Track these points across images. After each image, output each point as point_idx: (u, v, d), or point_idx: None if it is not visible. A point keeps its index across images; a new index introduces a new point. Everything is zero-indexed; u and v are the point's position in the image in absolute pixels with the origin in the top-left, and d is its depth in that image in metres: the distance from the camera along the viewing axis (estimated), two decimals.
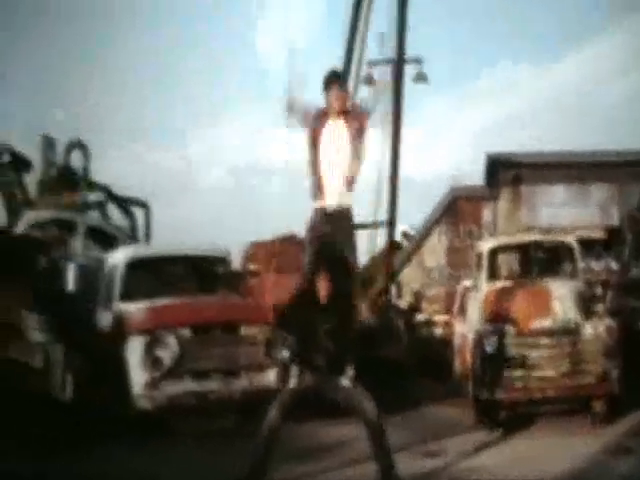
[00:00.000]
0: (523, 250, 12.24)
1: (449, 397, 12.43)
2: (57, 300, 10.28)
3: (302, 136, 7.25)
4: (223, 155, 51.08)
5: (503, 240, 12.82)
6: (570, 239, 11.89)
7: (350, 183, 7.06)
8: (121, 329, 9.71)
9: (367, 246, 16.52)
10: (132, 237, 16.60)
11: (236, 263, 15.24)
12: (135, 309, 9.87)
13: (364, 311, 13.55)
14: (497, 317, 10.05)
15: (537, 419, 10.07)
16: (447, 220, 25.79)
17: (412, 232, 26.20)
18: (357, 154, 7.07)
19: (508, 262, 13.15)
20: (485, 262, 11.60)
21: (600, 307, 10.38)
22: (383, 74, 14.78)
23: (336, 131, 7.08)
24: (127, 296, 10.32)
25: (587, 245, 15.50)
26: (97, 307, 10.86)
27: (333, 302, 6.64)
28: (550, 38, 51.03)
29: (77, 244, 13.17)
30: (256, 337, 9.76)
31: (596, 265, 18.99)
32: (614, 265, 17.57)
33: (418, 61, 16.62)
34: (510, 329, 9.73)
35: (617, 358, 9.62)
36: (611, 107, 43.37)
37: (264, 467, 6.43)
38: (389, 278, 16.31)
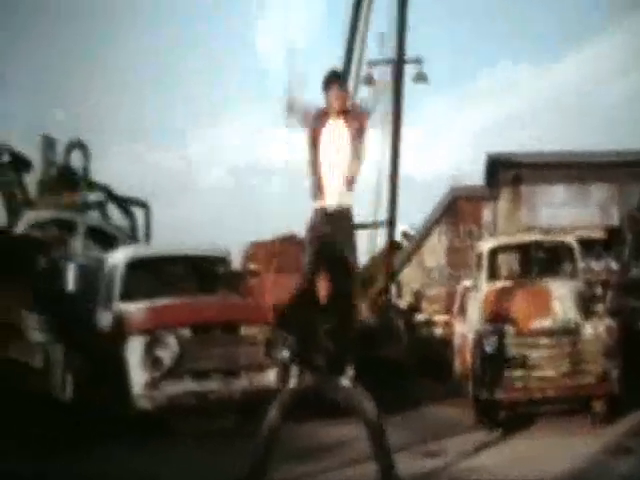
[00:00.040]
0: (523, 250, 12.24)
1: (449, 397, 12.43)
2: (57, 300, 10.28)
3: (302, 136, 7.23)
4: (223, 155, 51.15)
5: (503, 240, 12.82)
6: (570, 239, 11.89)
7: (350, 183, 7.05)
8: (121, 329, 9.72)
9: (367, 246, 16.54)
10: (132, 237, 16.61)
11: (236, 263, 15.25)
12: (135, 309, 9.87)
13: (364, 311, 13.56)
14: (497, 317, 10.05)
15: (537, 419, 10.07)
16: (447, 220, 25.79)
17: (412, 232, 26.21)
18: (357, 154, 7.06)
19: (508, 262, 13.15)
20: (485, 262, 11.60)
21: (600, 307, 10.39)
22: (383, 74, 14.79)
23: (336, 131, 7.06)
24: (127, 296, 10.32)
25: (587, 245, 15.49)
26: (97, 307, 10.87)
27: (333, 302, 6.64)
28: (550, 38, 51.12)
29: (77, 244, 13.17)
30: (256, 337, 9.76)
31: (596, 265, 18.99)
32: (614, 265, 17.57)
33: (418, 61, 16.62)
34: (510, 329, 9.73)
35: (617, 358, 9.62)
36: (611, 107, 43.42)
37: (264, 467, 6.43)
38: (389, 278, 16.32)
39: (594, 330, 9.68)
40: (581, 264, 11.61)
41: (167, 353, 9.29)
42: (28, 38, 39.54)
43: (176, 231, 21.13)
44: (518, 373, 9.58)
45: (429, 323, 19.22)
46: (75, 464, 8.08)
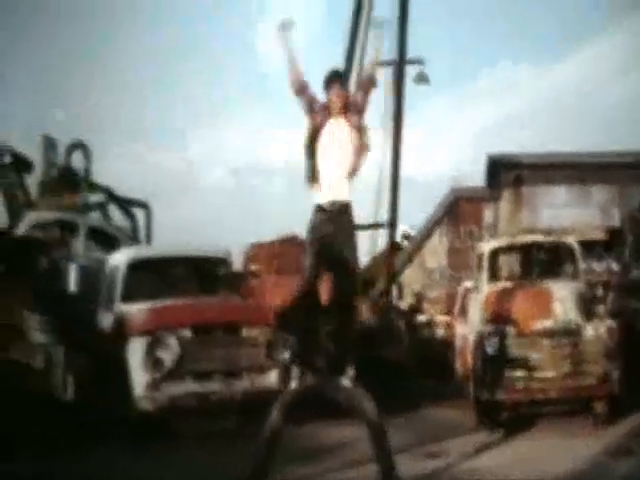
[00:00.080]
0: (524, 251, 12.24)
1: (450, 398, 12.42)
2: (58, 301, 10.28)
3: (302, 137, 7.21)
4: (224, 156, 51.16)
5: (504, 241, 12.80)
6: (571, 240, 11.89)
7: (353, 173, 6.97)
8: (122, 330, 9.71)
9: (368, 247, 16.56)
10: (133, 238, 16.61)
11: (237, 264, 15.25)
12: (136, 310, 9.88)
13: (365, 312, 13.56)
14: (498, 318, 10.05)
15: (538, 420, 10.07)
16: (448, 221, 25.78)
17: (412, 232, 26.19)
18: (362, 144, 6.97)
19: (509, 263, 13.14)
20: (486, 263, 11.60)
21: (601, 308, 10.38)
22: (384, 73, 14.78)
23: (337, 130, 7.00)
24: (128, 297, 10.33)
25: (588, 246, 15.48)
26: (98, 308, 10.87)
27: (334, 303, 6.63)
28: (550, 38, 51.18)
29: (78, 245, 13.17)
30: (257, 338, 9.76)
31: (597, 266, 18.98)
32: (615, 266, 17.57)
33: (419, 62, 16.62)
34: (511, 330, 9.74)
35: (618, 359, 9.62)
36: (611, 107, 43.45)
37: (266, 468, 6.43)
38: (390, 279, 16.32)
39: (595, 331, 9.68)
40: (582, 265, 11.61)
41: (168, 354, 9.29)
42: (28, 38, 39.59)
43: (177, 232, 21.14)
44: (519, 374, 9.58)
45: (430, 324, 19.22)
46: (76, 464, 8.10)
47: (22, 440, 8.25)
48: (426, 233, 26.08)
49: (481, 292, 11.32)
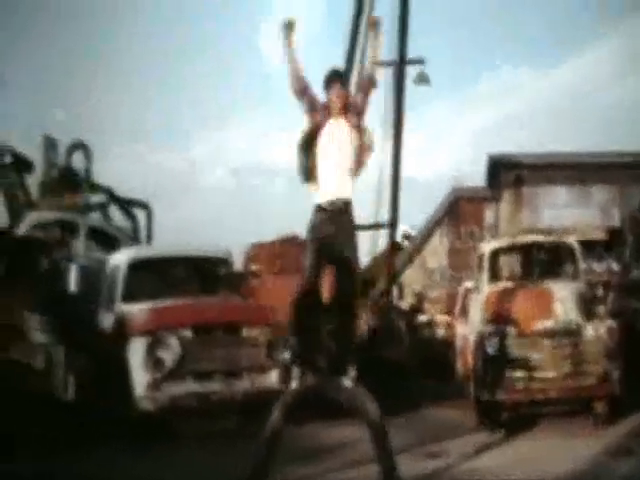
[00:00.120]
0: (525, 251, 12.24)
1: (451, 398, 12.42)
2: (59, 301, 10.28)
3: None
4: (225, 156, 51.18)
5: (505, 241, 12.81)
6: (571, 240, 11.89)
7: (356, 172, 6.96)
8: (123, 330, 9.72)
9: (369, 247, 16.56)
10: (134, 238, 16.62)
11: (238, 264, 15.25)
12: (137, 310, 9.88)
13: (366, 312, 13.56)
14: (499, 318, 10.05)
15: (539, 420, 10.07)
16: (449, 221, 25.80)
17: (413, 233, 26.19)
18: (365, 143, 6.97)
19: (510, 263, 13.14)
20: (487, 263, 11.61)
21: (601, 308, 10.38)
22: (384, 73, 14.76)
23: (337, 130, 6.99)
24: (129, 297, 10.33)
25: (588, 246, 15.49)
26: (99, 308, 10.88)
27: (335, 302, 6.63)
28: (549, 42, 51.33)
29: (79, 245, 13.17)
30: (258, 338, 9.77)
31: (597, 266, 18.99)
32: (615, 266, 17.57)
33: (420, 62, 16.59)
34: (511, 330, 9.74)
35: (618, 359, 9.62)
36: (608, 108, 43.54)
37: (266, 469, 6.43)
38: (391, 279, 16.32)
39: (595, 331, 9.68)
40: (582, 265, 11.61)
41: (169, 354, 9.29)
42: (28, 38, 39.62)
43: (178, 232, 21.18)
44: (519, 374, 9.57)
45: (431, 324, 19.23)
46: (76, 464, 8.10)
47: (22, 440, 8.25)
48: (427, 233, 26.09)
49: (482, 292, 11.32)
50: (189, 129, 54.91)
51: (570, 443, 8.81)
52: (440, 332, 18.45)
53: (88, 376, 9.59)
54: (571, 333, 9.70)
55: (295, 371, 6.70)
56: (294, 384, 6.68)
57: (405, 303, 20.34)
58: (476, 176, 25.73)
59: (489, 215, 25.14)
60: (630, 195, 22.41)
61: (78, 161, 18.06)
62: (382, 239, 16.47)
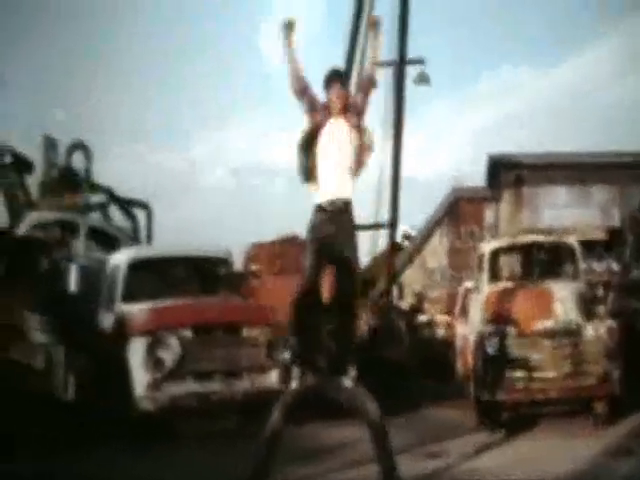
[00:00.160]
0: (525, 251, 12.24)
1: (451, 398, 12.42)
2: (59, 301, 10.28)
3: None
4: (225, 156, 51.19)
5: (505, 241, 12.81)
6: (571, 240, 11.89)
7: (357, 172, 6.97)
8: (123, 330, 9.72)
9: (369, 247, 16.55)
10: (134, 238, 16.62)
11: (238, 264, 15.25)
12: (137, 310, 9.88)
13: (366, 312, 13.56)
14: (499, 318, 10.05)
15: (539, 420, 10.07)
16: (449, 221, 25.80)
17: (413, 233, 26.20)
18: (365, 143, 6.97)
19: (510, 263, 13.14)
20: (487, 263, 11.61)
21: (601, 308, 10.38)
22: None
23: (337, 130, 6.98)
24: (129, 297, 10.33)
25: (588, 246, 15.49)
26: (99, 308, 10.88)
27: (335, 302, 6.63)
28: (549, 41, 51.36)
29: (79, 245, 13.17)
30: (258, 338, 9.77)
31: (597, 266, 18.99)
32: (615, 266, 17.57)
33: (420, 62, 16.58)
34: (512, 330, 9.74)
35: (618, 359, 9.62)
36: (608, 108, 43.56)
37: (266, 469, 6.43)
38: (391, 279, 16.32)
39: (595, 331, 9.68)
40: (582, 265, 11.61)
41: (169, 354, 9.29)
42: (28, 38, 39.60)
43: (178, 232, 21.18)
44: (519, 374, 9.58)
45: (431, 324, 19.22)
46: (76, 464, 8.10)
47: (22, 440, 8.25)
48: (427, 233, 26.09)
49: (482, 292, 11.32)
50: (189, 129, 54.95)
51: (570, 443, 8.81)
52: (440, 332, 18.44)
53: (88, 376, 9.58)
54: (571, 333, 9.70)
55: (295, 371, 6.70)
56: (294, 384, 6.68)
57: (405, 303, 20.34)
58: (476, 176, 25.77)
59: (489, 215, 25.14)
60: (630, 195, 22.41)
61: (78, 161, 18.08)
62: (382, 239, 16.49)
